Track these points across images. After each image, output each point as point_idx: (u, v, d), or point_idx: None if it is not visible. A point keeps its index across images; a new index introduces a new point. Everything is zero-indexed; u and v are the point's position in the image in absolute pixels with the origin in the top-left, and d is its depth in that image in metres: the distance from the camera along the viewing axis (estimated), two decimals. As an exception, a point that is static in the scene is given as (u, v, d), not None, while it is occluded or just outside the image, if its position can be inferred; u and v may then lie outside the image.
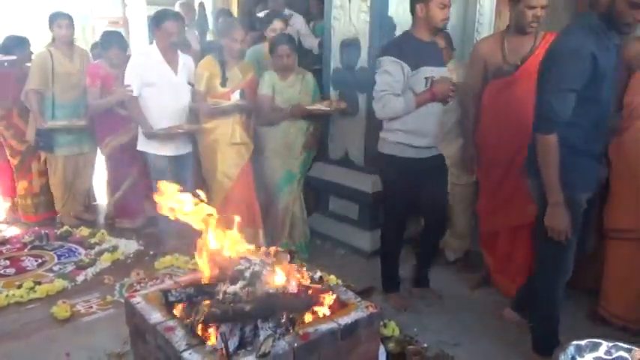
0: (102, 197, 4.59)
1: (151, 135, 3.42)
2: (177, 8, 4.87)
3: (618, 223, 2.63)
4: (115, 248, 3.68)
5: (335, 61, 3.67)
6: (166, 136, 3.41)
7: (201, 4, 5.62)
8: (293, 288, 1.93)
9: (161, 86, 3.39)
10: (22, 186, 4.17)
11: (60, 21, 3.88)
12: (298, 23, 4.40)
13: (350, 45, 3.50)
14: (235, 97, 3.34)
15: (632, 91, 2.58)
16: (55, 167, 4.06)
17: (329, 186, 3.82)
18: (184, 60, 3.50)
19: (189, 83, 3.47)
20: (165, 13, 3.43)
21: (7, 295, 2.93)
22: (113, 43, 3.81)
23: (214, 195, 3.35)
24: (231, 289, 1.88)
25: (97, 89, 3.75)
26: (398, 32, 3.38)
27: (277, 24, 3.61)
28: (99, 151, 4.16)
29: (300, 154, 3.46)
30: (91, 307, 2.88)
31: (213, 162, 3.37)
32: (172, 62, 3.43)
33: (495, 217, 2.96)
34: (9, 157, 4.15)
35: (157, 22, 3.39)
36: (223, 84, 3.30)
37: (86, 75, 3.82)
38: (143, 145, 3.50)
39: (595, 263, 2.77)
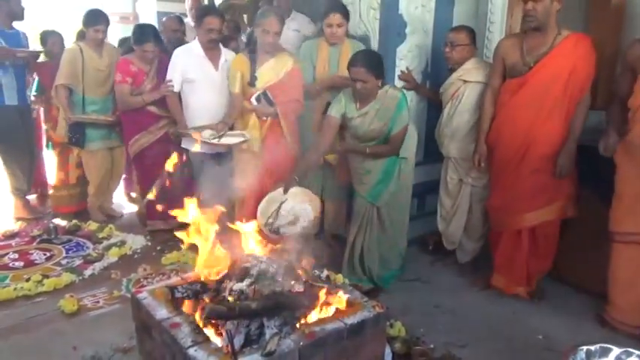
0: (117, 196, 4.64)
1: (184, 134, 3.36)
2: (187, 3, 4.87)
3: (624, 226, 2.59)
4: (122, 243, 3.70)
5: (345, 59, 3.65)
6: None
7: (211, 0, 5.61)
8: (300, 287, 1.93)
9: (200, 82, 3.31)
10: (58, 177, 4.24)
11: (98, 27, 3.81)
12: (297, 23, 3.87)
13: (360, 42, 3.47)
14: (253, 98, 3.09)
15: (637, 93, 2.53)
16: (90, 162, 4.07)
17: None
18: (226, 56, 3.39)
19: None
20: (207, 9, 3.39)
21: (15, 289, 2.95)
22: (149, 36, 3.56)
23: (238, 204, 3.22)
24: (238, 286, 1.88)
25: (128, 86, 3.60)
26: (408, 30, 3.37)
27: (334, 18, 3.06)
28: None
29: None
30: (98, 301, 2.89)
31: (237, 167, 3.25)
32: (214, 58, 3.35)
33: (503, 217, 2.95)
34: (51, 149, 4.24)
35: (197, 17, 3.34)
36: (252, 83, 3.08)
37: (115, 71, 3.69)
38: (185, 142, 3.45)
39: (603, 266, 2.74)
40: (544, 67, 2.68)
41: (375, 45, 3.37)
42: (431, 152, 3.53)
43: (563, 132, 2.73)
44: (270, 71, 3.09)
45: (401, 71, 3.37)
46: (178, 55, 3.39)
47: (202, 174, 3.40)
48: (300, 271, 2.02)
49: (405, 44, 3.38)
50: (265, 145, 3.14)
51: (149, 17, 6.42)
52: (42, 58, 4.23)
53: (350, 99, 2.84)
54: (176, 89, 3.37)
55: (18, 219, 4.15)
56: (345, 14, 3.11)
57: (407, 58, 3.41)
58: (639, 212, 2.53)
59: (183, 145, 3.48)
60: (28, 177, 4.21)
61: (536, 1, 2.57)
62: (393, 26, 3.30)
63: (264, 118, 3.13)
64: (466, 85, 3.09)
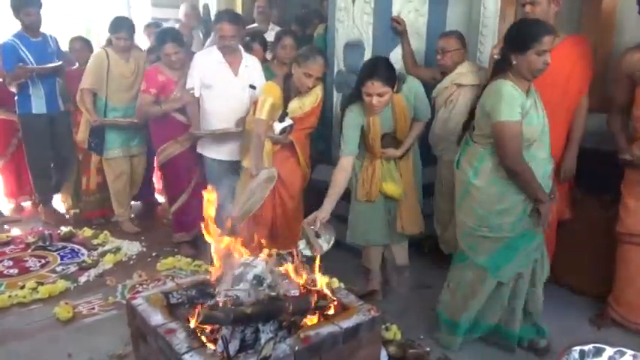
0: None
1: (196, 136, 3.34)
2: (181, 9, 4.89)
3: (631, 228, 2.60)
4: (117, 249, 3.69)
5: (338, 64, 3.66)
6: (213, 138, 3.29)
7: (206, 6, 5.63)
8: (295, 291, 1.93)
9: (218, 87, 3.28)
10: (83, 182, 4.25)
11: (119, 34, 3.79)
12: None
13: (353, 47, 3.48)
14: (277, 126, 2.95)
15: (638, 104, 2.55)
16: (108, 170, 4.06)
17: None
18: (247, 61, 3.35)
19: (251, 86, 3.28)
20: (221, 15, 3.34)
21: (10, 296, 2.93)
22: (167, 37, 3.44)
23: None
24: (233, 291, 1.88)
25: (151, 97, 3.49)
26: (402, 34, 3.37)
27: (373, 87, 2.58)
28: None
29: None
30: (93, 308, 2.88)
31: None
32: (233, 63, 3.30)
33: None
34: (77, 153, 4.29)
35: (214, 23, 3.35)
36: (282, 119, 2.95)
37: (143, 79, 3.61)
38: (201, 147, 3.43)
39: (598, 268, 2.75)
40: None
41: (368, 50, 3.39)
42: (424, 155, 3.53)
43: (564, 134, 2.73)
44: (298, 106, 3.00)
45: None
46: (197, 59, 3.37)
47: (218, 181, 3.23)
48: (295, 276, 2.02)
49: (399, 49, 3.40)
50: (275, 164, 3.03)
51: (144, 23, 6.43)
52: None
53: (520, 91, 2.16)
54: (197, 94, 3.35)
55: (44, 223, 4.26)
56: (390, 78, 2.45)
57: (400, 62, 3.43)
58: None
59: (198, 150, 3.45)
60: (53, 184, 4.31)
61: (533, 4, 2.55)
62: (386, 31, 3.32)
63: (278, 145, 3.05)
64: (460, 89, 3.09)
